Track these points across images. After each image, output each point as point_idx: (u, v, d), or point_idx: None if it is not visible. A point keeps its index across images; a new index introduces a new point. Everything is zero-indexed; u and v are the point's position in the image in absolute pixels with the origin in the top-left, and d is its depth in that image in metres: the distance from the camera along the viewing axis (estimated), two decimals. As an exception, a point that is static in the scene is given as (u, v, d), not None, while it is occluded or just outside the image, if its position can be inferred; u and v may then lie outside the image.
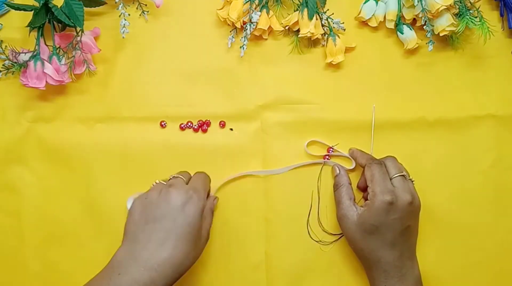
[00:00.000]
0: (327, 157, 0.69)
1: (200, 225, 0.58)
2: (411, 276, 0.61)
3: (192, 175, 0.65)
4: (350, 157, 0.68)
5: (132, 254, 0.55)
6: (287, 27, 0.70)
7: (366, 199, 0.62)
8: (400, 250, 0.60)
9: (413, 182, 0.63)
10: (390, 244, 0.60)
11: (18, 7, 0.65)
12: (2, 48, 0.70)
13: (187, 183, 0.62)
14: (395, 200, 0.59)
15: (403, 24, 0.69)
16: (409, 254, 0.62)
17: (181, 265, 0.56)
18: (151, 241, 0.55)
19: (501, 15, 0.71)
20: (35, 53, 0.66)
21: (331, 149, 0.69)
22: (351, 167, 0.69)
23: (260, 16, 0.68)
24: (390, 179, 0.61)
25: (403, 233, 0.60)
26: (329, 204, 0.69)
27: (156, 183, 0.63)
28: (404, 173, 0.62)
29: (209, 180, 0.65)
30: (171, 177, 0.63)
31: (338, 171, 0.66)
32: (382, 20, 0.70)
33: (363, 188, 0.66)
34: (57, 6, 0.65)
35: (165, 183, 0.62)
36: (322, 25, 0.69)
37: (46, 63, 0.65)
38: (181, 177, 0.62)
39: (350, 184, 0.65)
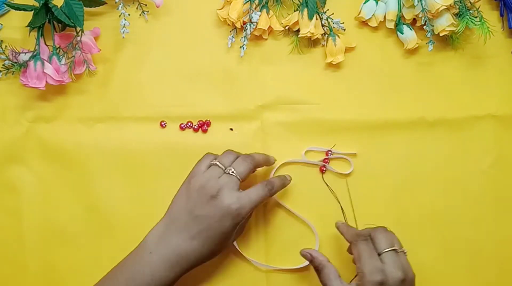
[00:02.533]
0: (327, 160, 0.69)
1: (232, 232, 0.61)
2: None
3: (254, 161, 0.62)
4: (352, 164, 0.68)
5: (165, 235, 0.60)
6: (287, 27, 0.70)
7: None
8: None
9: (406, 253, 0.59)
10: None
11: (18, 7, 0.65)
12: (2, 48, 0.70)
13: (242, 181, 0.60)
14: (386, 280, 0.55)
15: (403, 24, 0.69)
16: None
17: (205, 258, 0.60)
18: (185, 231, 0.59)
19: (501, 15, 0.71)
20: (35, 53, 0.66)
21: (330, 152, 0.69)
22: (349, 171, 0.69)
23: (260, 16, 0.68)
24: (380, 254, 0.58)
25: None
26: (329, 209, 0.69)
27: (214, 163, 0.61)
28: (396, 246, 0.58)
29: (269, 192, 0.61)
30: (230, 171, 0.60)
31: (309, 256, 0.61)
32: (382, 20, 0.70)
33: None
34: (57, 6, 0.65)
35: (221, 166, 0.61)
36: (322, 25, 0.69)
37: (46, 63, 0.65)
38: (236, 176, 0.60)
39: (329, 261, 0.60)
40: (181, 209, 0.60)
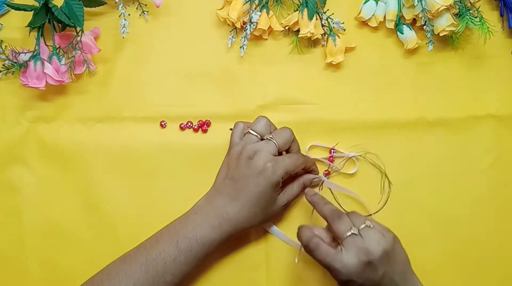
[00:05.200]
0: (331, 159, 0.69)
1: (270, 196, 0.62)
2: None
3: (289, 138, 0.64)
4: (357, 164, 0.68)
5: (210, 199, 0.63)
6: (287, 27, 0.70)
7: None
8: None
9: (372, 227, 0.57)
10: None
11: (18, 7, 0.65)
12: (2, 48, 0.70)
13: (279, 148, 0.62)
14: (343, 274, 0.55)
15: (403, 24, 0.69)
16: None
17: (246, 221, 0.62)
18: (226, 194, 0.62)
19: (501, 15, 0.71)
20: (35, 53, 0.66)
21: (333, 151, 0.69)
22: (353, 171, 0.69)
23: (260, 16, 0.68)
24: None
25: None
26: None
27: (251, 132, 0.63)
28: (353, 230, 0.57)
29: (302, 161, 0.65)
30: (267, 137, 0.63)
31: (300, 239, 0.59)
32: (382, 20, 0.70)
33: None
34: (57, 6, 0.65)
35: (257, 137, 0.63)
36: (322, 25, 0.69)
37: (46, 63, 0.65)
38: (274, 141, 0.62)
39: (315, 236, 0.58)
40: (223, 177, 0.63)
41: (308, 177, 0.67)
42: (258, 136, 0.63)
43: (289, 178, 0.65)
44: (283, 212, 0.66)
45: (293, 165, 0.63)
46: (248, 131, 0.64)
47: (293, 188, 0.66)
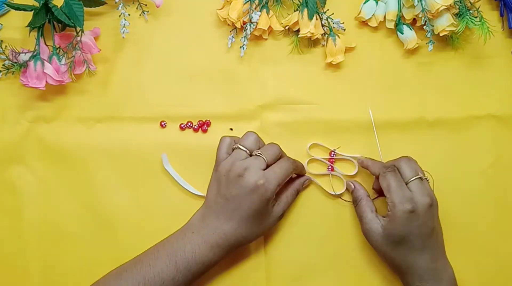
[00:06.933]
0: (332, 160, 0.69)
1: (266, 210, 0.62)
2: (445, 275, 0.62)
3: (277, 152, 0.64)
4: (358, 164, 0.68)
5: (205, 219, 0.63)
6: (287, 27, 0.70)
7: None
8: (430, 252, 0.61)
9: (428, 181, 0.63)
10: (420, 249, 0.61)
11: (18, 7, 0.65)
12: (2, 48, 0.70)
13: (268, 164, 0.62)
14: (416, 207, 0.60)
15: (403, 24, 0.69)
16: (440, 254, 0.63)
17: (244, 239, 0.63)
18: (221, 214, 0.62)
19: (501, 15, 0.71)
20: (35, 53, 0.66)
21: (333, 153, 0.69)
22: (353, 173, 0.69)
23: (260, 16, 0.68)
24: (406, 183, 0.61)
25: (430, 235, 0.61)
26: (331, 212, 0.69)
27: (240, 148, 0.63)
28: (420, 174, 0.62)
29: (293, 167, 0.64)
30: (256, 153, 0.62)
31: (353, 186, 0.67)
32: (382, 20, 0.70)
33: (379, 190, 0.66)
34: (57, 6, 0.65)
35: (247, 152, 0.62)
36: (322, 25, 0.69)
37: (46, 63, 0.65)
38: (263, 157, 0.62)
39: (368, 195, 0.66)
40: (214, 195, 0.63)
41: (299, 182, 0.67)
42: (247, 151, 0.62)
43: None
44: (277, 221, 0.65)
45: (284, 175, 0.62)
46: (237, 146, 0.63)
47: (287, 197, 0.66)
